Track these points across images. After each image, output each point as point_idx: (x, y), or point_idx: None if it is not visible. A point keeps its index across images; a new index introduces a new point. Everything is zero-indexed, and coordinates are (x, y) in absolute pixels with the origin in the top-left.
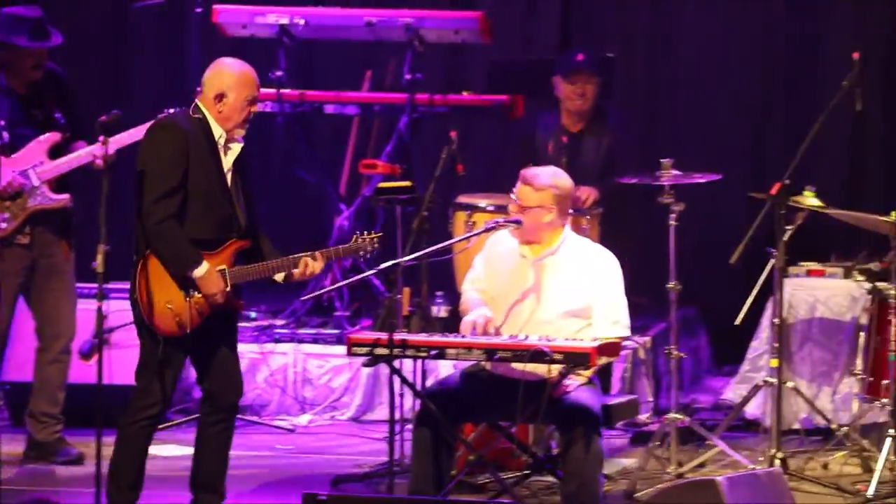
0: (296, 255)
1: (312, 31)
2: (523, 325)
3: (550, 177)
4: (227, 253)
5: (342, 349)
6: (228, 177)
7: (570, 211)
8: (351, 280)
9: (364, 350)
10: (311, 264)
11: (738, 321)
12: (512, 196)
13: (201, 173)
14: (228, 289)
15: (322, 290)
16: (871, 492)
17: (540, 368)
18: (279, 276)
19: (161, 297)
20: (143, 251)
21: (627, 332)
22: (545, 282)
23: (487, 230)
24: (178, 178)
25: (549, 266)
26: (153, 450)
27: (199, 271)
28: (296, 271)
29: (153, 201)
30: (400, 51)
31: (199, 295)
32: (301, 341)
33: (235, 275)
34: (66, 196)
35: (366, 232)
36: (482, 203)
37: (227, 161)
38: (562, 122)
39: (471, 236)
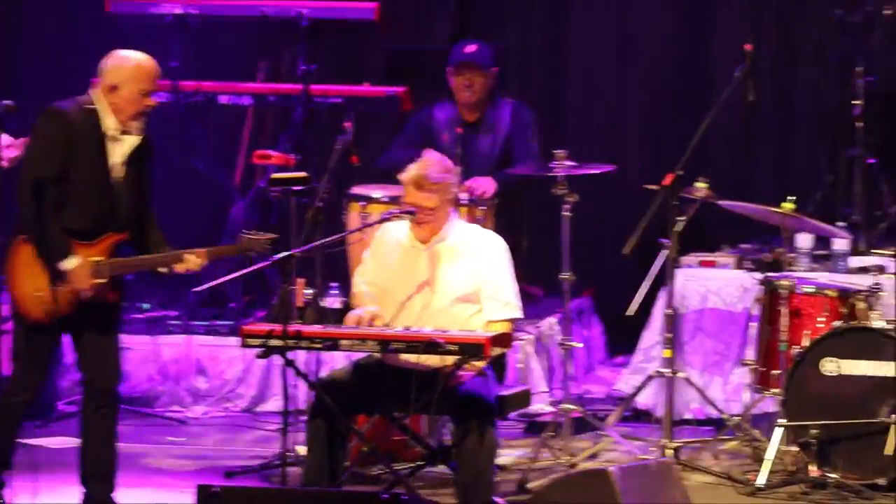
0: (179, 251)
1: (206, 21)
2: (417, 314)
3: (438, 171)
4: (104, 245)
5: (236, 340)
6: (117, 169)
7: (466, 201)
8: (245, 271)
9: (258, 341)
10: (193, 261)
11: (630, 312)
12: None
13: (84, 164)
14: (104, 281)
15: (216, 282)
16: (761, 481)
17: (434, 359)
18: (163, 269)
19: (30, 284)
20: (17, 237)
21: (519, 314)
22: (436, 270)
23: (382, 221)
24: (54, 166)
25: (439, 253)
26: (42, 441)
27: (68, 263)
28: (177, 267)
29: (24, 188)
30: (295, 41)
31: (68, 285)
32: (194, 332)
33: (112, 267)
34: None
35: (254, 231)
36: (376, 194)
37: (118, 153)
38: (458, 113)
39: (365, 227)
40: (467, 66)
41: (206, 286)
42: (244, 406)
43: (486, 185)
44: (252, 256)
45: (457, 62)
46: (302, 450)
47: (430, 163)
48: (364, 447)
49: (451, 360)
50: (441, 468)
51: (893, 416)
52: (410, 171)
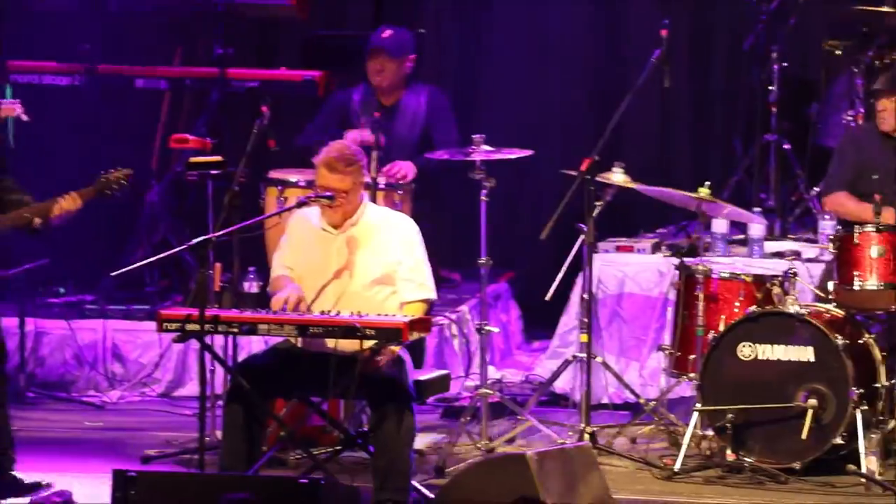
0: (47, 201)
1: (122, 4)
2: (334, 299)
3: (349, 154)
4: None
5: (152, 325)
6: None
7: (384, 185)
8: (162, 255)
9: (175, 326)
10: (64, 203)
11: (548, 297)
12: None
13: None
14: None
15: (132, 266)
16: (677, 466)
17: (352, 344)
18: (38, 222)
19: None
20: None
21: (433, 295)
22: (351, 254)
23: (300, 205)
24: None
25: (352, 237)
26: None
27: None
28: (54, 210)
29: None
30: (211, 25)
31: None
32: (111, 317)
33: None
34: None
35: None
36: (293, 178)
37: None
38: (375, 97)
39: (282, 211)
40: (378, 51)
41: (122, 270)
42: (161, 391)
43: (405, 169)
44: (110, 195)
45: (369, 47)
46: (219, 434)
47: (343, 146)
48: (282, 432)
49: (369, 344)
50: (359, 453)
51: (809, 400)
52: (323, 155)
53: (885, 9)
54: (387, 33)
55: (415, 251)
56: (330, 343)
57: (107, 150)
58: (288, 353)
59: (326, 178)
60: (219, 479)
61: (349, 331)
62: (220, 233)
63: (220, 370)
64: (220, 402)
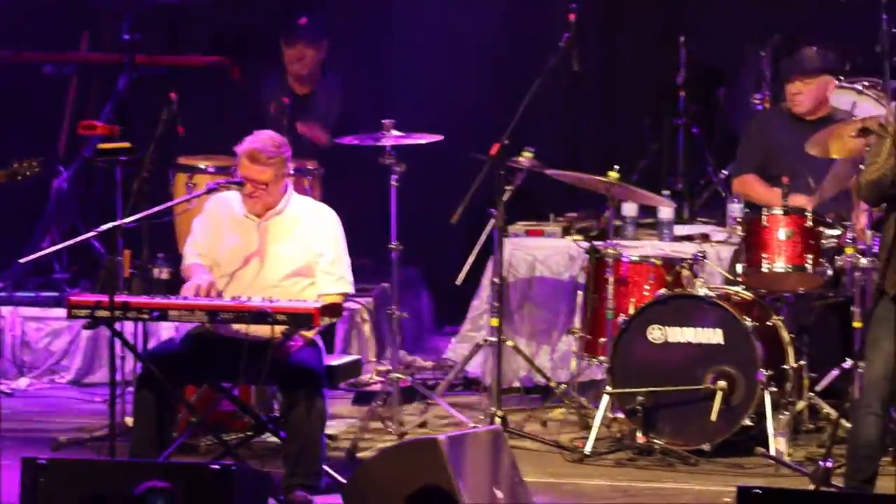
0: None
1: None
2: (248, 286)
3: (273, 146)
4: None
5: (62, 311)
6: None
7: (293, 171)
8: (70, 242)
9: (85, 312)
10: None
11: (458, 281)
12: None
13: None
14: None
15: (41, 252)
16: (588, 448)
17: (263, 329)
18: None
19: None
20: None
21: (351, 288)
22: (270, 243)
23: (209, 191)
24: None
25: (274, 226)
26: None
27: None
28: None
29: None
30: (119, 11)
31: None
32: (19, 304)
33: None
34: None
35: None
36: (202, 164)
37: None
38: (289, 85)
39: (192, 198)
40: (298, 38)
41: (31, 257)
42: (71, 378)
43: (317, 133)
44: (20, 181)
45: (288, 35)
46: (130, 421)
47: (267, 137)
48: (192, 418)
49: (280, 330)
50: (270, 438)
51: (718, 382)
52: (245, 145)
53: None
54: (303, 20)
55: (337, 244)
56: (241, 328)
57: (14, 135)
58: (199, 339)
59: (248, 169)
60: (130, 465)
61: (260, 316)
62: (129, 219)
63: (130, 357)
64: (131, 389)
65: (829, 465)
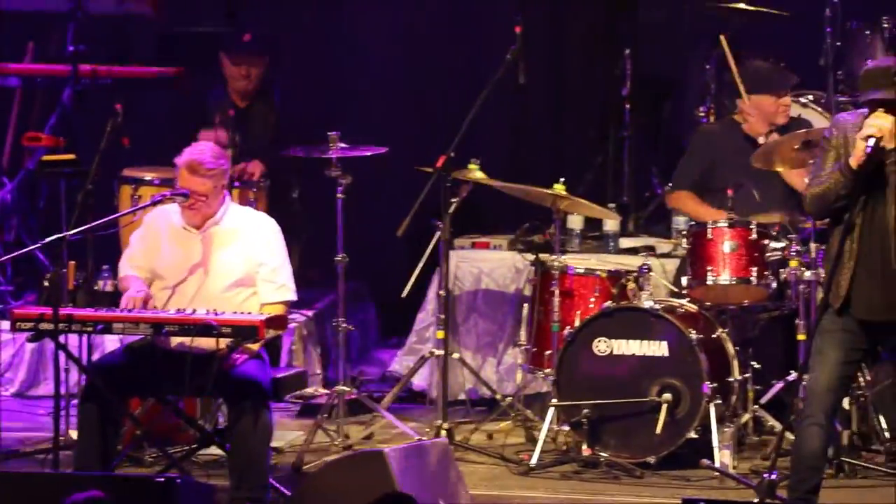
0: None
1: None
2: (192, 298)
3: (211, 158)
4: None
5: (6, 324)
6: None
7: (238, 184)
8: (15, 254)
9: (29, 325)
10: None
11: (404, 294)
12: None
13: None
14: None
15: None
16: (534, 461)
17: (208, 342)
18: None
19: None
20: None
21: (293, 296)
22: (211, 254)
23: (154, 203)
24: None
25: (213, 238)
26: None
27: None
28: None
29: None
30: (64, 22)
31: None
32: None
33: None
34: None
35: None
36: (148, 177)
37: None
38: (230, 97)
39: (137, 209)
40: (244, 55)
41: None
42: (15, 390)
43: (252, 168)
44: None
45: (233, 51)
46: (74, 434)
47: (204, 148)
48: (137, 430)
49: (225, 342)
50: (215, 451)
51: (663, 395)
52: (185, 157)
53: (740, 5)
54: (247, 37)
55: (277, 253)
56: (186, 341)
57: None
58: (143, 352)
59: (187, 181)
60: (73, 478)
61: (205, 329)
62: (74, 231)
63: (75, 369)
64: (75, 402)
65: (773, 477)
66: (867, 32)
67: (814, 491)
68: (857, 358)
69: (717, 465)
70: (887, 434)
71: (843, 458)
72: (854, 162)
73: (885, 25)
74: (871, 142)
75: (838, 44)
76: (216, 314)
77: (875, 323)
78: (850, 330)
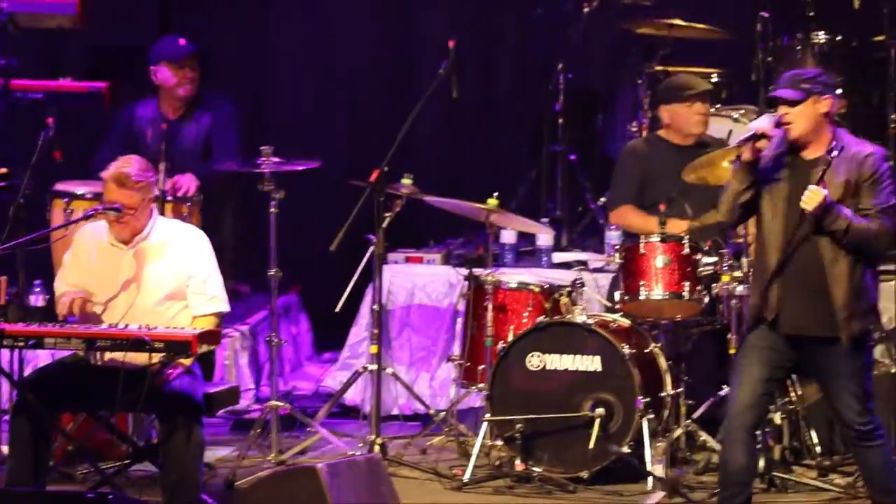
0: None
1: None
2: (123, 314)
3: (138, 170)
4: None
5: None
6: None
7: (171, 198)
8: None
9: None
10: None
11: (337, 308)
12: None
13: None
14: None
15: None
16: (467, 476)
17: (140, 357)
18: None
19: None
20: None
21: (226, 307)
22: (141, 269)
23: (87, 218)
24: None
25: (142, 252)
26: None
27: None
28: None
29: None
30: None
31: None
32: None
33: None
34: None
35: None
36: (80, 191)
37: None
38: (160, 110)
39: (69, 224)
40: (186, 59)
41: None
42: None
43: (187, 183)
44: None
45: (174, 56)
46: (6, 449)
47: (132, 161)
48: (69, 446)
49: (158, 357)
50: (148, 467)
51: (596, 409)
52: (112, 170)
53: (671, 21)
54: (183, 42)
55: (206, 265)
56: (118, 356)
57: None
58: (76, 367)
59: (114, 194)
60: (5, 493)
61: (137, 344)
62: (6, 245)
63: (6, 384)
64: (7, 417)
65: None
66: (798, 48)
67: None
68: (780, 376)
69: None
70: (819, 449)
71: (774, 473)
72: (745, 155)
73: (816, 41)
74: (749, 134)
75: (769, 59)
76: (149, 329)
77: (802, 338)
78: (776, 347)
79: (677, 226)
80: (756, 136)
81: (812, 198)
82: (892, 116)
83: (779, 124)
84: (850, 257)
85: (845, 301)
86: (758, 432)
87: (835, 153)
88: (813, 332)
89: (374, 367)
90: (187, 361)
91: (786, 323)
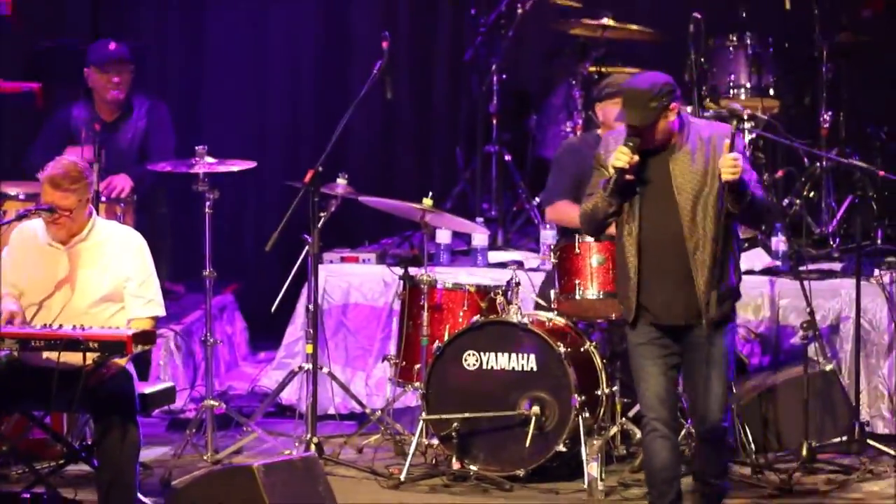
0: None
1: None
2: (58, 314)
3: (75, 171)
4: None
5: None
6: None
7: (105, 199)
8: None
9: None
10: None
11: (273, 308)
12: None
13: None
14: None
15: None
16: (403, 475)
17: (75, 357)
18: None
19: None
20: None
21: (162, 311)
22: (77, 270)
23: (20, 218)
24: None
25: (79, 253)
26: None
27: None
28: None
29: None
30: None
31: None
32: None
33: None
34: None
35: None
36: (13, 192)
37: None
38: (96, 111)
39: (2, 224)
40: (114, 63)
41: None
42: None
43: (122, 183)
44: None
45: (102, 60)
46: None
47: (69, 163)
48: (3, 446)
49: (92, 357)
50: (83, 466)
51: (532, 408)
52: (48, 171)
53: (603, 22)
54: (114, 45)
55: (144, 267)
56: (53, 356)
57: None
58: (9, 367)
59: (51, 195)
60: None
61: (72, 344)
62: None
63: None
64: None
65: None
66: (730, 48)
67: (676, 502)
68: (674, 363)
69: (585, 478)
70: (752, 447)
71: None
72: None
73: (748, 42)
74: (615, 174)
75: (702, 60)
76: (83, 329)
77: (675, 327)
78: (657, 340)
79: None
80: (622, 173)
81: (732, 165)
82: (824, 117)
83: (634, 149)
84: (711, 245)
85: (706, 288)
86: (677, 427)
87: (734, 125)
88: (681, 320)
89: (310, 366)
90: (122, 361)
91: (657, 315)
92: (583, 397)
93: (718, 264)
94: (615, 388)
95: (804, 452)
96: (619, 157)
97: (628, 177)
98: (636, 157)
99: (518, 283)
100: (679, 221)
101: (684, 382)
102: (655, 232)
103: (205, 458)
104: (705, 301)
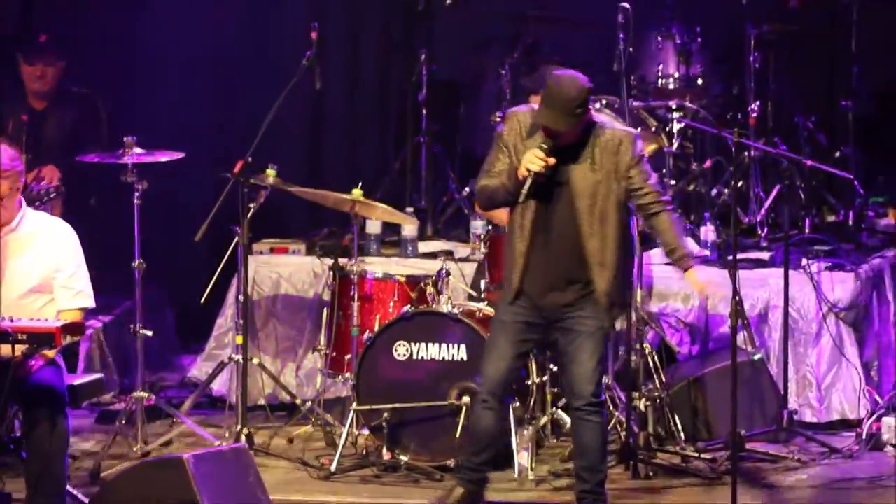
0: None
1: None
2: None
3: (6, 160)
4: None
5: None
6: None
7: (34, 190)
8: None
9: None
10: None
11: (203, 299)
12: None
13: None
14: None
15: None
16: (334, 466)
17: (3, 349)
18: None
19: None
20: None
21: (91, 302)
22: (6, 260)
23: None
24: None
25: (9, 244)
26: None
27: None
28: None
29: None
30: None
31: None
32: None
33: None
34: None
35: None
36: None
37: None
38: (27, 101)
39: None
40: (40, 56)
41: None
42: None
43: (49, 174)
44: None
45: (28, 53)
46: None
47: None
48: None
49: (21, 349)
50: (12, 458)
51: (462, 398)
52: None
53: (533, 12)
54: (43, 38)
55: (74, 259)
56: None
57: None
58: None
59: None
60: None
61: (0, 336)
62: None
63: None
64: None
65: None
66: (659, 39)
67: (487, 463)
68: (527, 348)
69: (516, 468)
70: (682, 435)
71: (638, 459)
72: (520, 175)
73: (675, 35)
74: (529, 179)
75: (631, 50)
76: (12, 321)
77: (548, 307)
78: (523, 321)
79: None
80: (537, 176)
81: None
82: (752, 106)
83: (549, 152)
84: (598, 226)
85: (602, 286)
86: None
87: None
88: (560, 310)
89: (240, 357)
90: (51, 353)
91: (536, 301)
92: (513, 387)
93: (612, 260)
94: (545, 378)
95: (733, 441)
96: (535, 160)
97: (539, 178)
98: (552, 160)
99: (448, 274)
100: (573, 215)
101: (560, 357)
102: (548, 222)
103: (135, 449)
104: (596, 272)
